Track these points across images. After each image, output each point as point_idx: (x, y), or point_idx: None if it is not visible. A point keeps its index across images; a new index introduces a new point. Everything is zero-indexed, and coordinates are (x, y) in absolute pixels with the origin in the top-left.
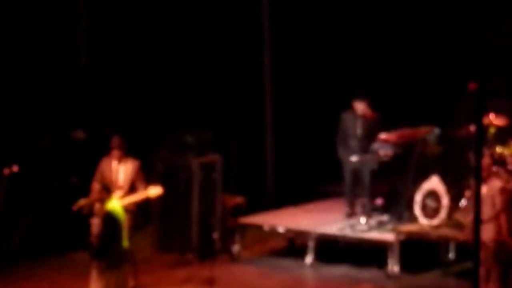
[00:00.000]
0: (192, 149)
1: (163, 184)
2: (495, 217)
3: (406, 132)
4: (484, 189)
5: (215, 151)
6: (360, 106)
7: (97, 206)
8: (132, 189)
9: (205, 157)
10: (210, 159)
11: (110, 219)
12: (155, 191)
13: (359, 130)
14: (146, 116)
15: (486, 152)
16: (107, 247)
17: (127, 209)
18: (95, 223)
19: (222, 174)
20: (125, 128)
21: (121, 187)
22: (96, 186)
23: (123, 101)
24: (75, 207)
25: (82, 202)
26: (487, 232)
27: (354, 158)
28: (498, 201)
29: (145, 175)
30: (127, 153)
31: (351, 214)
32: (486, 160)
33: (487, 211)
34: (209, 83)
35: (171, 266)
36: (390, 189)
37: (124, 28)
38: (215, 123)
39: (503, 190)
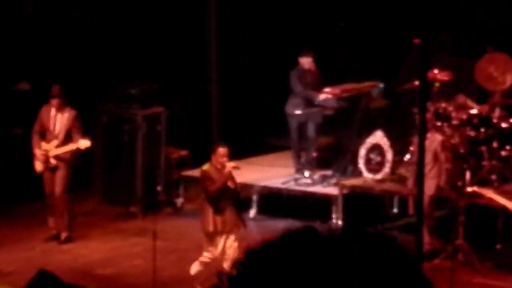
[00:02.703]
0: (136, 101)
1: (107, 136)
2: (439, 171)
3: (351, 86)
4: (426, 143)
5: (160, 104)
6: (307, 61)
7: None
8: (68, 138)
9: (150, 109)
10: (155, 112)
11: None
12: (84, 143)
13: (306, 85)
14: (91, 67)
15: (431, 107)
16: None
17: (63, 158)
18: None
19: (166, 127)
20: (70, 80)
21: (57, 136)
22: (35, 137)
23: (68, 52)
24: None
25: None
26: (427, 186)
27: (298, 112)
28: (443, 155)
29: (90, 127)
30: (66, 102)
31: (300, 168)
32: (428, 114)
33: (427, 165)
34: (154, 35)
35: (115, 218)
36: (334, 143)
37: None
38: (160, 75)
39: (444, 144)
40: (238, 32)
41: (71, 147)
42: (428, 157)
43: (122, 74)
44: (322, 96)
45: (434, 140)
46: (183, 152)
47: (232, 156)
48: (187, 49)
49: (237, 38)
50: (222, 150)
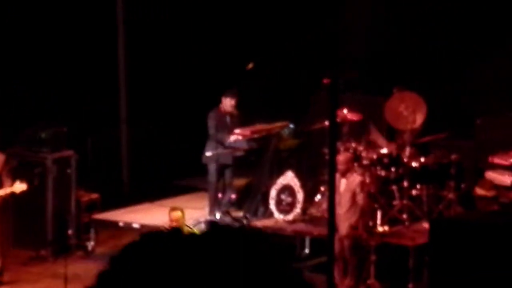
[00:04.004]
0: (46, 145)
1: (17, 179)
2: (355, 212)
3: (261, 127)
4: (343, 184)
5: (70, 147)
6: (230, 103)
7: None
8: None
9: (60, 152)
10: (65, 155)
11: None
12: (20, 186)
13: (224, 127)
14: None
15: (341, 147)
16: None
17: None
18: None
19: (76, 170)
20: None
21: None
22: None
23: None
24: None
25: None
26: (346, 227)
27: (208, 154)
28: (360, 196)
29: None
30: None
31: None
32: (347, 155)
33: (346, 205)
34: (62, 77)
35: (25, 262)
36: (245, 184)
37: None
38: (69, 118)
39: (363, 185)
40: (148, 72)
41: (4, 191)
42: (347, 197)
43: (31, 117)
44: (232, 138)
45: (353, 180)
46: (94, 195)
47: (142, 198)
48: (97, 91)
49: (147, 79)
50: (173, 214)
